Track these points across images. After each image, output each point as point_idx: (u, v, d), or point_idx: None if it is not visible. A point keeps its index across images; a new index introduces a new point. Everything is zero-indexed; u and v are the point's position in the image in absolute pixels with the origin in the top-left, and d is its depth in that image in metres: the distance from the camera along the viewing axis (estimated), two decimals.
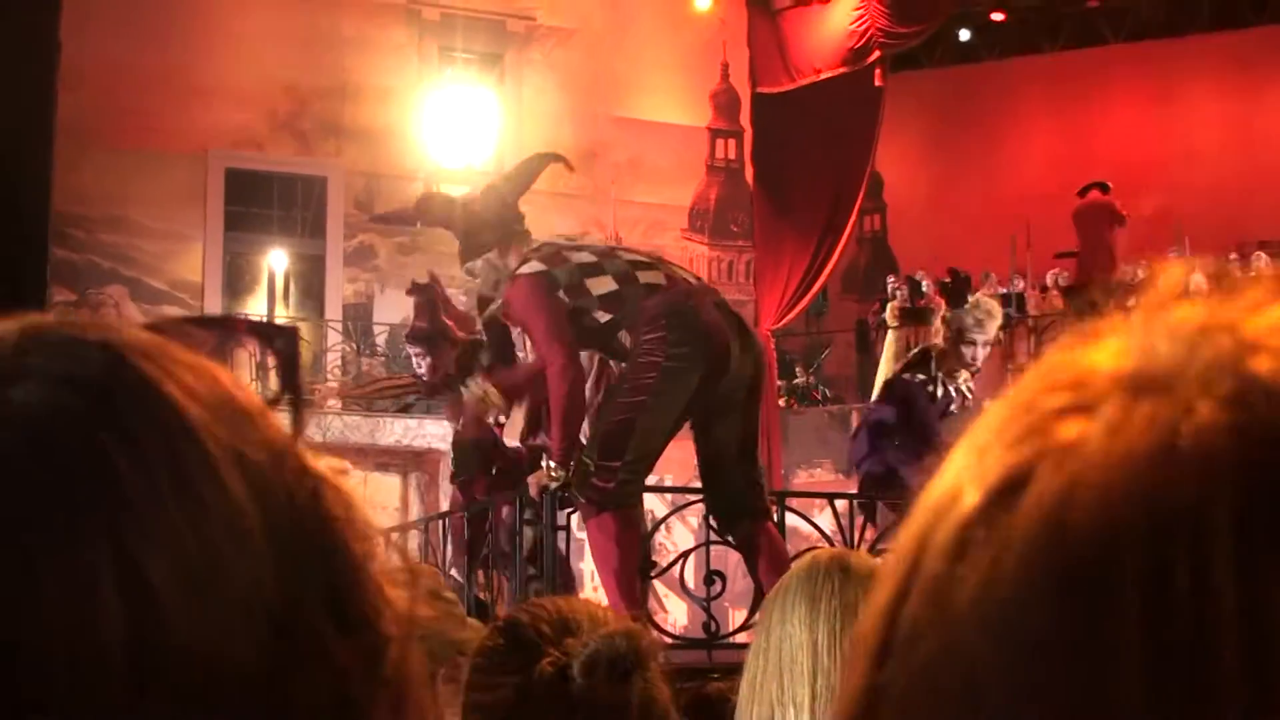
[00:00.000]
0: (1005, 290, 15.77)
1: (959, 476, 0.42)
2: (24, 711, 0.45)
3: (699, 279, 5.90)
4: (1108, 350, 0.42)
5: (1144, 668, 0.37)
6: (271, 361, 0.60)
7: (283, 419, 0.56)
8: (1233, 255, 15.66)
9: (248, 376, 0.58)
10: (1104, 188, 16.68)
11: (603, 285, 5.44)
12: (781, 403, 15.60)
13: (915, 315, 16.09)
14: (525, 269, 5.56)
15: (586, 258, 5.55)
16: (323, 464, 0.55)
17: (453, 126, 14.70)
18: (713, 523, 6.30)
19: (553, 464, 5.59)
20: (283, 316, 13.94)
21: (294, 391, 0.58)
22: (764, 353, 5.88)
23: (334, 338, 14.28)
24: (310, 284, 14.52)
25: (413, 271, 14.92)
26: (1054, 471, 0.39)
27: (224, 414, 0.52)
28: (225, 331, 0.60)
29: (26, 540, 0.46)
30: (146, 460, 0.49)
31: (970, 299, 7.07)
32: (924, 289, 16.31)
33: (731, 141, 16.34)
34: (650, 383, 5.30)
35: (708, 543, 6.22)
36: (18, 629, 0.45)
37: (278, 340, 0.61)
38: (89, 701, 0.46)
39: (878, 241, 18.94)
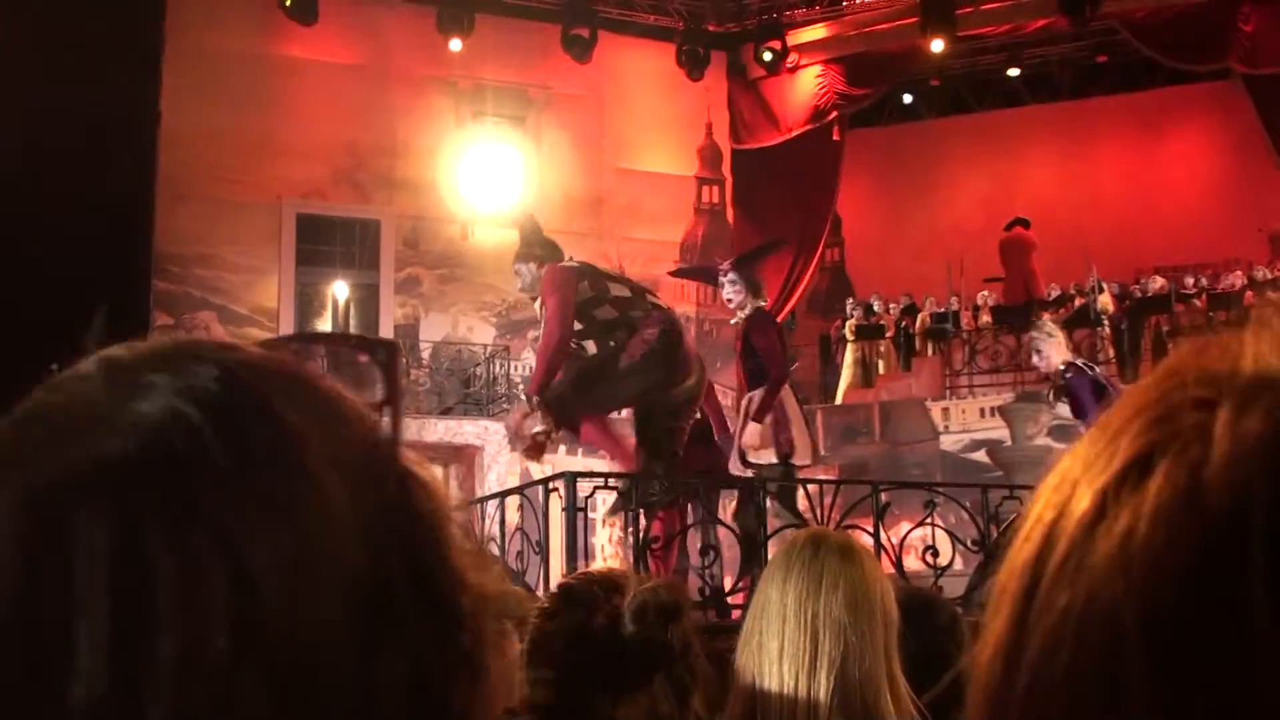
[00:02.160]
0: (943, 309, 15.80)
1: (1093, 456, 0.42)
2: (140, 685, 0.43)
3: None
4: (1227, 357, 0.42)
5: (1270, 605, 0.37)
6: (376, 371, 0.57)
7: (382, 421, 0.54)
8: (1139, 279, 15.75)
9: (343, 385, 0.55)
10: (1025, 223, 16.70)
11: (620, 290, 5.92)
12: None
13: (869, 331, 16.12)
14: (563, 264, 6.00)
15: (615, 273, 6.10)
16: (413, 462, 0.53)
17: (484, 177, 14.72)
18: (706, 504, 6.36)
19: (534, 398, 5.87)
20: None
21: (393, 397, 0.56)
22: (705, 386, 6.32)
23: None
24: (367, 309, 14.53)
25: (451, 299, 14.98)
26: (1185, 449, 0.40)
27: (322, 420, 0.50)
28: (333, 345, 0.59)
29: (142, 534, 0.44)
30: (252, 462, 0.47)
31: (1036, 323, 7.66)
32: (875, 309, 16.33)
33: (715, 188, 16.36)
34: (629, 363, 5.81)
35: (702, 521, 6.25)
36: (135, 614, 0.43)
37: (379, 352, 0.58)
38: (198, 676, 0.44)
39: (837, 270, 18.95)
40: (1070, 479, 0.43)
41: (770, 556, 2.07)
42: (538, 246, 6.18)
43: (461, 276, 14.76)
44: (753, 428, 6.38)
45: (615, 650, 1.57)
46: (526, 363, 14.62)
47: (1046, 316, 7.51)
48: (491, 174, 14.70)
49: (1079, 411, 6.87)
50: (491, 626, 0.52)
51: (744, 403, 6.68)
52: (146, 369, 0.49)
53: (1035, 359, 7.12)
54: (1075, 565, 0.40)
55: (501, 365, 14.19)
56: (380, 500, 0.50)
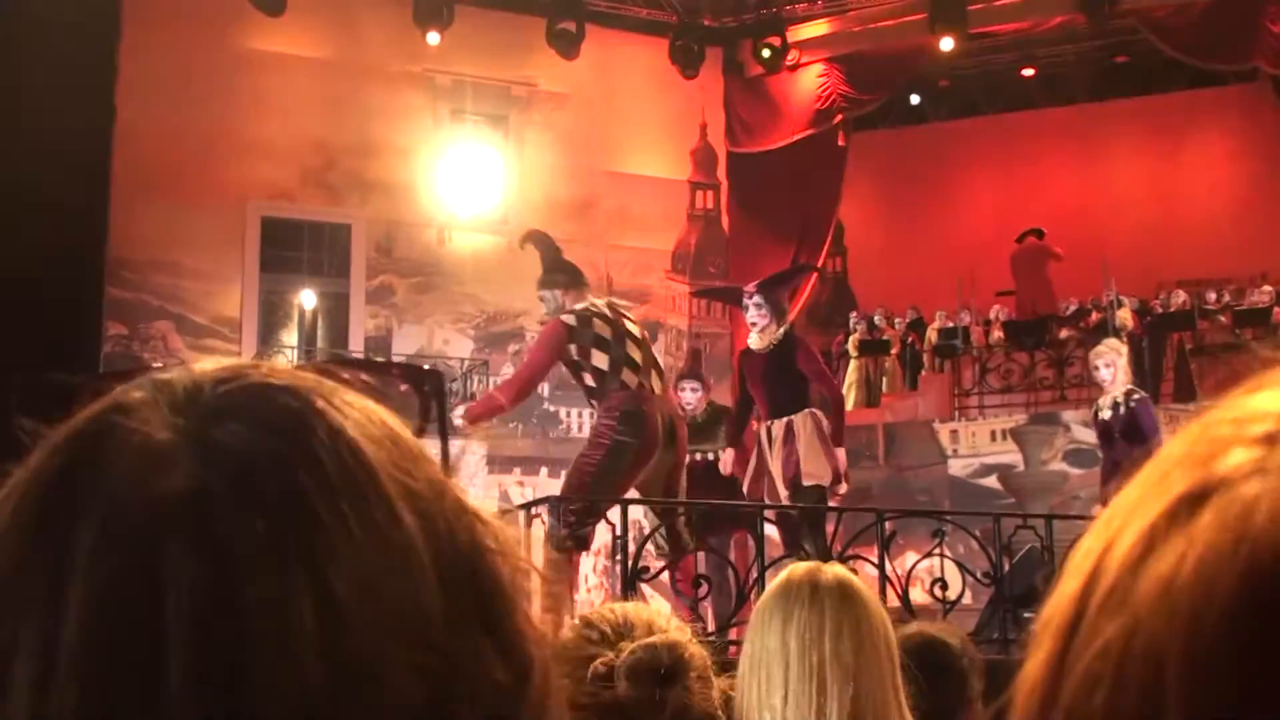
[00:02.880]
0: (952, 324, 15.79)
1: (1146, 490, 0.43)
2: (235, 713, 0.46)
3: (663, 393, 6.67)
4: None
5: None
6: (414, 400, 0.60)
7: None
8: (1159, 293, 15.77)
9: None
10: (1038, 233, 16.72)
11: (600, 360, 6.28)
12: None
13: (873, 347, 16.11)
14: (565, 317, 6.33)
15: (605, 333, 6.32)
16: (472, 499, 0.55)
17: (463, 180, 14.70)
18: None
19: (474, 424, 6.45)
20: (311, 349, 13.93)
21: (442, 426, 0.59)
22: (683, 451, 6.70)
23: None
24: (336, 319, 14.48)
25: (427, 309, 14.95)
26: (1240, 486, 0.40)
27: (393, 453, 0.52)
28: (381, 373, 0.60)
29: (233, 566, 0.47)
30: (336, 496, 0.49)
31: (1104, 340, 8.00)
32: (878, 323, 16.33)
33: (710, 193, 16.36)
34: (599, 456, 6.19)
35: (695, 550, 6.23)
36: (227, 645, 0.46)
37: (426, 382, 0.62)
38: (292, 703, 0.46)
39: (839, 281, 18.96)
40: (1122, 512, 0.44)
41: (763, 594, 2.04)
42: (560, 273, 6.55)
43: (438, 285, 14.72)
44: (840, 452, 6.95)
45: (605, 704, 1.54)
46: (506, 377, 14.56)
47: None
48: (471, 176, 14.68)
49: (1135, 438, 6.96)
50: (557, 671, 0.54)
51: (763, 429, 7.07)
52: (217, 396, 0.51)
53: (1102, 373, 7.24)
54: (1118, 601, 0.41)
55: (480, 380, 14.12)
56: (449, 537, 0.52)
